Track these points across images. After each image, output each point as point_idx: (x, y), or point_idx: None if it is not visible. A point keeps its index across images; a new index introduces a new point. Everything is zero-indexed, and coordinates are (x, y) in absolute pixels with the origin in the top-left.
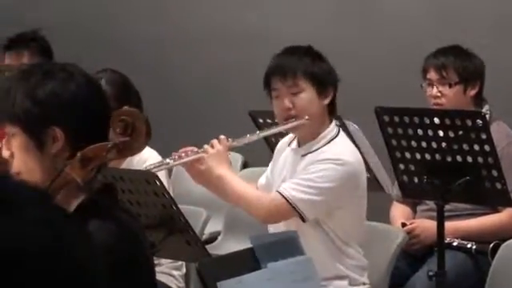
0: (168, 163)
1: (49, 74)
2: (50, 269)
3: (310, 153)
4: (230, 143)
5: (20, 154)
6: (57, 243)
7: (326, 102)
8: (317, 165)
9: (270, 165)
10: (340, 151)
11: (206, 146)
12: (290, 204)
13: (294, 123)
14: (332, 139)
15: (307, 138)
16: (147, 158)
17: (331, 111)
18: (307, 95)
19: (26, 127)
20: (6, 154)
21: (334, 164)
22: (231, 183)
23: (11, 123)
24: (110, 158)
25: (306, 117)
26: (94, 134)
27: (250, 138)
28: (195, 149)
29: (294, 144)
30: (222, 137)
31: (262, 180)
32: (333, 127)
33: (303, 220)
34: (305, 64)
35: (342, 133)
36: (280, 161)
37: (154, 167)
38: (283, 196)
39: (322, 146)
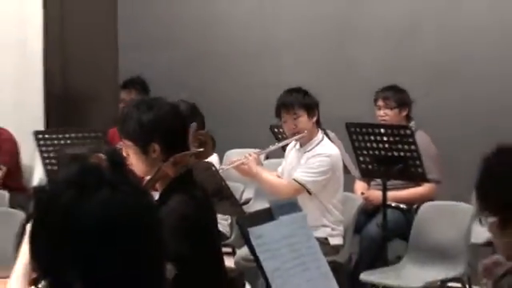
0: (223, 168)
1: (148, 108)
2: (140, 224)
3: (307, 151)
4: (259, 152)
5: (132, 156)
6: (142, 208)
7: (314, 119)
8: (314, 159)
9: (284, 160)
10: (326, 149)
11: (246, 155)
12: (303, 185)
13: (298, 136)
14: (320, 142)
15: (306, 142)
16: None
17: (317, 124)
18: (303, 119)
19: (135, 142)
20: (125, 153)
21: (324, 157)
22: (264, 177)
23: (126, 138)
24: (190, 161)
25: (305, 131)
26: (179, 146)
27: (270, 148)
28: (240, 158)
29: (298, 146)
30: (252, 151)
31: (280, 169)
32: (319, 134)
33: (310, 193)
34: (299, 99)
35: (325, 137)
36: (289, 156)
37: (220, 169)
38: (298, 181)
39: (314, 147)
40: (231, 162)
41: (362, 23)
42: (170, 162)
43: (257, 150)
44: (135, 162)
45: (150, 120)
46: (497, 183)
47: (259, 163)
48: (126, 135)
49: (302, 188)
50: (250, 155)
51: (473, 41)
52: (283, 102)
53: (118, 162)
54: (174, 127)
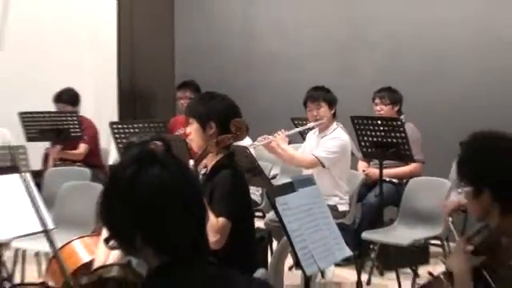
0: (256, 144)
1: (211, 97)
2: (183, 192)
3: (325, 136)
4: (286, 133)
5: (193, 132)
6: (189, 179)
7: (333, 111)
8: (330, 141)
9: (304, 143)
10: (339, 135)
11: (275, 134)
12: (319, 159)
13: (318, 122)
14: (335, 130)
15: (324, 129)
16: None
17: (334, 116)
18: (324, 109)
19: (198, 120)
20: (188, 131)
21: (338, 140)
22: (289, 153)
23: (192, 117)
24: (229, 142)
25: (325, 119)
26: (227, 129)
27: (296, 130)
28: (269, 136)
29: (317, 132)
30: (282, 130)
31: (299, 150)
32: (335, 124)
33: (324, 166)
34: (323, 94)
35: (339, 127)
36: (309, 140)
37: (251, 145)
38: (316, 157)
39: (330, 133)
40: (263, 139)
41: (363, 37)
42: (214, 142)
43: (284, 131)
44: (194, 137)
45: (211, 104)
46: (472, 160)
47: (285, 141)
48: (192, 114)
49: (318, 162)
50: (278, 134)
51: (452, 51)
52: (311, 95)
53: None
54: (227, 112)
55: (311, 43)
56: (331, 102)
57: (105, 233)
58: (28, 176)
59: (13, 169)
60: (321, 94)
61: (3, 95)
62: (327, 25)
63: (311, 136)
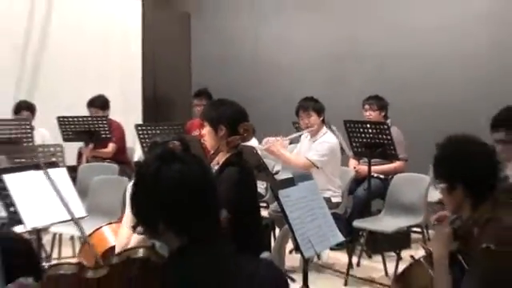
0: (260, 147)
1: (221, 104)
2: (201, 185)
3: (316, 140)
4: (284, 139)
5: (207, 134)
6: (205, 173)
7: (322, 118)
8: (320, 145)
9: (298, 145)
10: (328, 139)
11: (277, 138)
12: (312, 163)
13: (309, 129)
14: (324, 134)
15: (314, 134)
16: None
17: (323, 122)
18: (314, 117)
19: (210, 123)
20: (203, 133)
21: (327, 143)
22: (285, 156)
23: (205, 120)
24: (238, 143)
25: (315, 126)
26: (236, 131)
27: (292, 136)
28: (272, 138)
29: (309, 136)
30: (281, 136)
31: (295, 151)
32: (324, 129)
33: (317, 167)
34: (312, 104)
35: (328, 131)
36: (303, 144)
37: (257, 147)
38: (309, 160)
39: (320, 137)
40: (267, 141)
41: (355, 53)
42: (224, 142)
43: (281, 137)
44: (208, 138)
45: (221, 109)
46: (446, 160)
47: (283, 146)
48: (205, 118)
49: (311, 164)
50: (276, 140)
51: (431, 65)
52: (302, 105)
53: (187, 147)
54: (235, 117)
55: (310, 57)
56: (320, 111)
57: (124, 219)
58: (64, 171)
59: (52, 164)
60: (310, 104)
61: (44, 96)
62: (324, 42)
63: (304, 140)
